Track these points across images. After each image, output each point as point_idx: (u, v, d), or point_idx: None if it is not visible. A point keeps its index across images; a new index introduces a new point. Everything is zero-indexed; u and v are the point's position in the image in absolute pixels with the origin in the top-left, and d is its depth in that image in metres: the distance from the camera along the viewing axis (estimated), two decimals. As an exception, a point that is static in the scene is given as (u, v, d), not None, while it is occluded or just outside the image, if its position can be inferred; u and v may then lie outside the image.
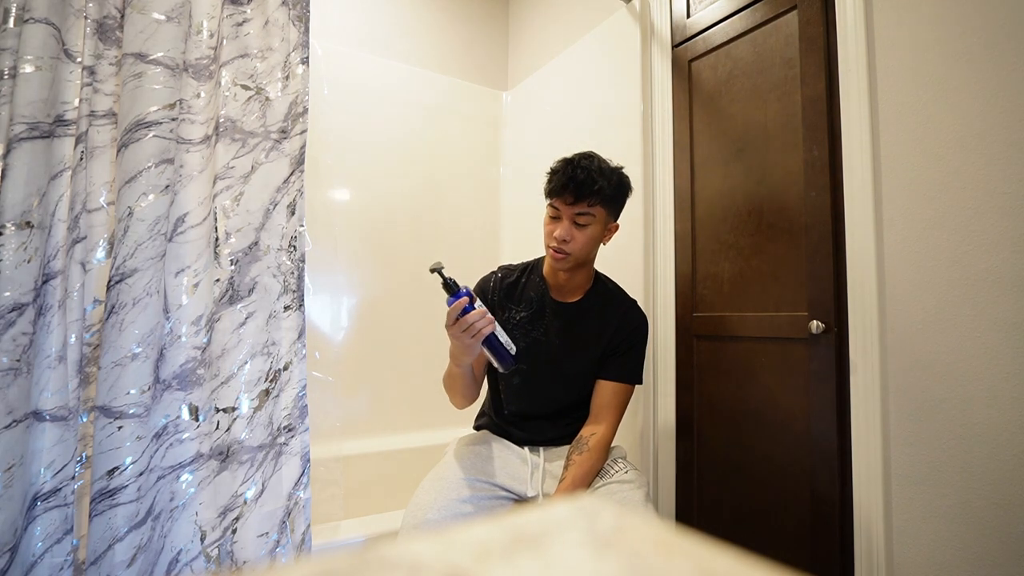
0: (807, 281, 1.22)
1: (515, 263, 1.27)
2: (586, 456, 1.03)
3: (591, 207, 1.05)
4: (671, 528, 0.23)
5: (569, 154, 1.09)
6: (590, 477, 1.03)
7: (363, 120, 1.99)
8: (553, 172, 1.08)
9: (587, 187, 1.03)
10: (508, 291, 1.19)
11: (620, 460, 1.11)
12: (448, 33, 2.28)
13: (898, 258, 1.05)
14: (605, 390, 1.12)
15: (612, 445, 1.12)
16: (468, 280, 1.25)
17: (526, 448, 1.15)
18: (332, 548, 1.19)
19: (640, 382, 1.15)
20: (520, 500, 1.09)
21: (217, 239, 1.11)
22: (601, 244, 1.14)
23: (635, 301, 1.20)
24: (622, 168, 1.11)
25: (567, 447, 1.12)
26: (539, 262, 1.22)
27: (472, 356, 1.01)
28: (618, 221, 1.14)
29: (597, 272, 1.21)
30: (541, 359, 1.13)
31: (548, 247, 1.10)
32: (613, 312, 1.15)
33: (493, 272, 1.23)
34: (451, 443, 1.23)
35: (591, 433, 1.07)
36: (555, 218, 1.08)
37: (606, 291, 1.19)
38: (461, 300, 0.93)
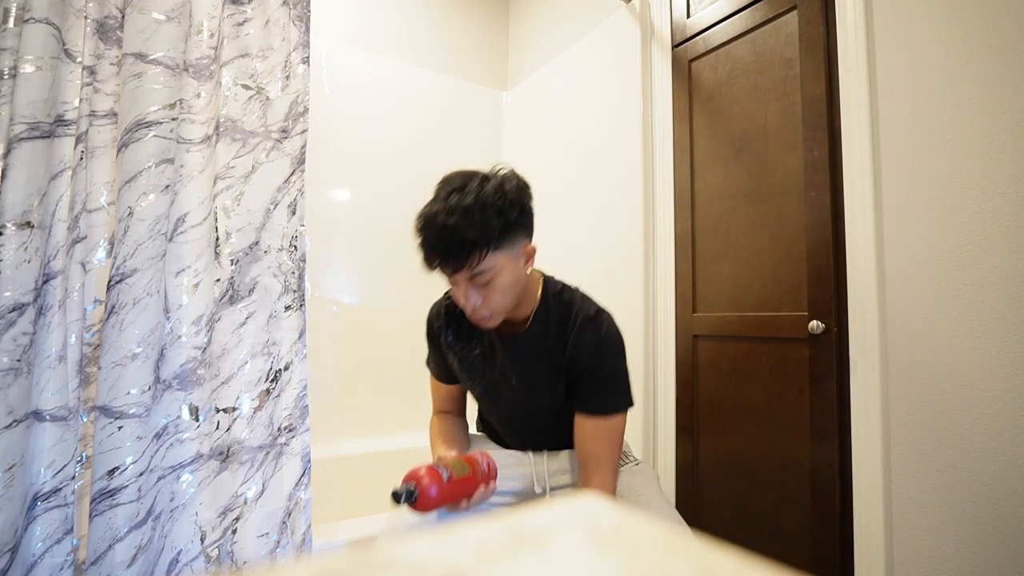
0: (807, 281, 1.22)
1: None
2: None
3: (481, 263, 0.80)
4: (671, 528, 0.23)
5: (432, 196, 0.86)
6: None
7: (363, 120, 1.99)
8: (417, 237, 0.84)
9: (458, 251, 0.79)
10: (457, 327, 1.00)
11: (625, 453, 1.11)
12: (448, 33, 2.28)
13: (898, 258, 1.05)
14: (585, 430, 0.90)
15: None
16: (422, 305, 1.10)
17: (529, 452, 1.13)
18: (332, 548, 1.19)
19: (626, 406, 0.91)
20: (521, 500, 1.08)
21: (217, 239, 1.11)
22: (527, 271, 0.90)
23: (595, 313, 0.92)
24: (501, 177, 0.85)
25: (568, 451, 1.06)
26: None
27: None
28: (536, 240, 0.92)
29: (545, 284, 0.97)
30: (505, 398, 0.99)
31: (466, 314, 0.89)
32: (563, 334, 0.92)
33: (438, 301, 1.05)
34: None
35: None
36: (455, 283, 0.85)
37: (556, 309, 0.94)
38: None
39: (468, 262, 0.80)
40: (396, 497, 0.75)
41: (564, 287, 0.98)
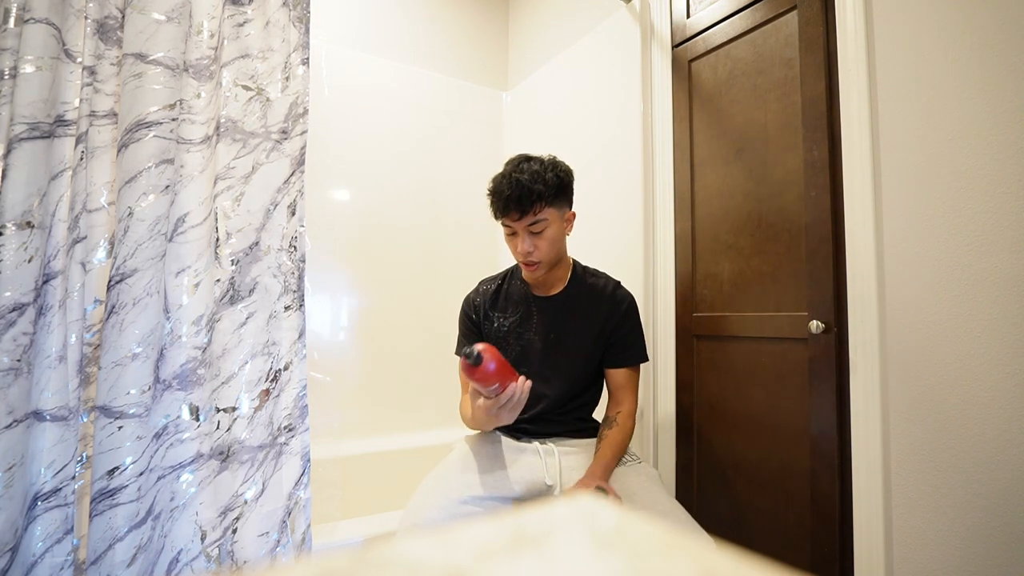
0: (807, 281, 1.22)
1: (493, 274, 1.32)
2: (616, 429, 1.11)
3: (539, 213, 1.07)
4: (678, 526, 0.23)
5: (503, 168, 1.12)
6: (624, 445, 1.11)
7: (363, 120, 1.99)
8: (492, 193, 1.11)
9: (527, 199, 1.05)
10: (493, 301, 1.24)
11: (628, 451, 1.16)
12: (448, 33, 2.28)
13: (898, 258, 1.05)
14: (619, 375, 1.17)
15: None
16: (455, 296, 1.30)
17: (535, 442, 1.15)
18: (332, 548, 1.19)
19: (647, 359, 1.21)
20: (528, 498, 1.09)
21: (218, 239, 1.11)
22: (566, 235, 1.18)
23: (619, 281, 1.23)
24: (555, 158, 1.14)
25: (577, 440, 1.16)
26: (518, 267, 1.25)
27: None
28: (573, 209, 1.18)
29: (575, 261, 1.26)
30: (538, 358, 1.16)
31: (518, 261, 1.16)
32: (599, 295, 1.19)
33: (474, 289, 1.29)
34: (458, 442, 1.23)
35: (617, 411, 1.15)
36: (512, 234, 1.12)
37: (587, 276, 1.23)
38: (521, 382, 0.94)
39: (532, 208, 1.06)
40: (468, 354, 0.87)
41: (587, 266, 1.27)
